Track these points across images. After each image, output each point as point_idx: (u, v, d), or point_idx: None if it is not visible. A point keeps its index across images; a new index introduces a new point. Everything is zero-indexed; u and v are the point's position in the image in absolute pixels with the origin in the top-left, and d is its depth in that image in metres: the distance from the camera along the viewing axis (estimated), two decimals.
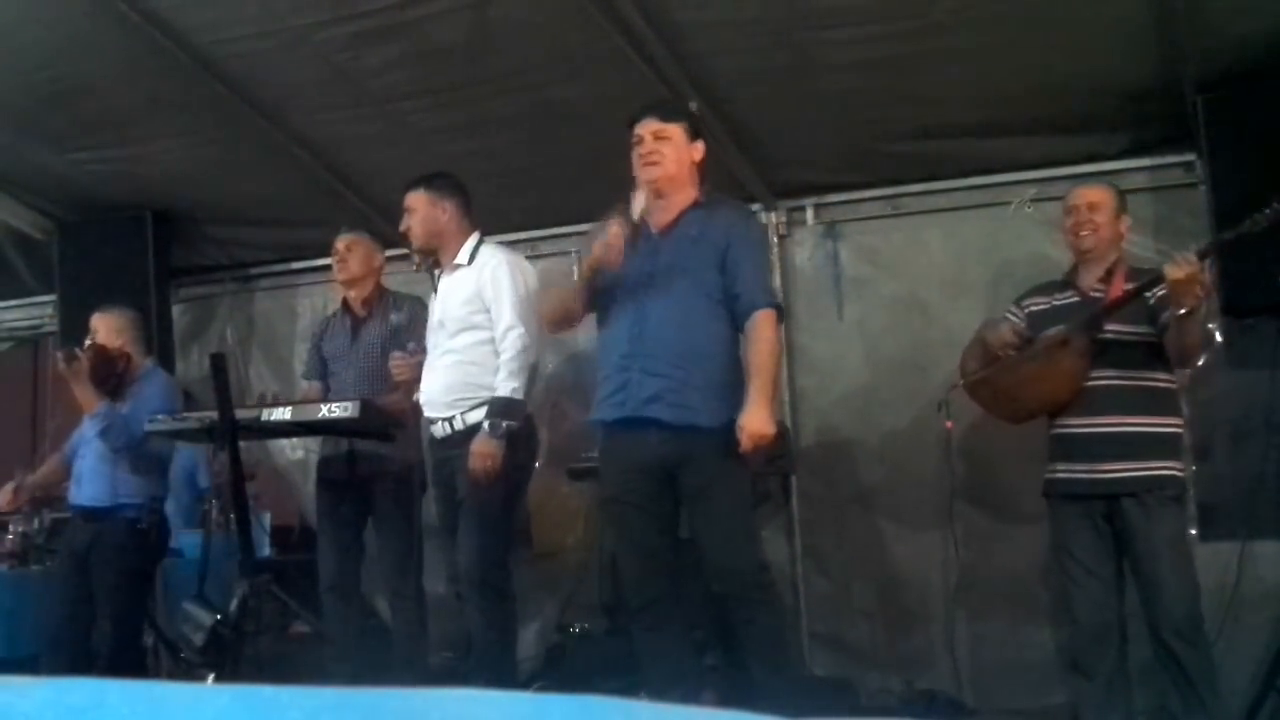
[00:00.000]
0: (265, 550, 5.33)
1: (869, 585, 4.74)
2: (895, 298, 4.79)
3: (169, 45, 4.29)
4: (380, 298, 4.41)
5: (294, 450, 5.56)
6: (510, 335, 3.77)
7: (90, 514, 4.47)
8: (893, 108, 4.37)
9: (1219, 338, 3.73)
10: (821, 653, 4.73)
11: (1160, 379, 3.42)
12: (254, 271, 5.87)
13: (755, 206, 4.71)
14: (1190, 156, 4.28)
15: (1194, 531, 3.91)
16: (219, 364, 3.90)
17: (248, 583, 3.78)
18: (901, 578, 4.67)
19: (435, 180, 4.01)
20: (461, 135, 4.69)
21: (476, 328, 3.84)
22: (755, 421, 3.11)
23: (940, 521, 4.38)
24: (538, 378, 4.19)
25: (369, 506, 4.22)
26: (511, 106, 4.53)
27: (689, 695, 3.26)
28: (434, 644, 4.47)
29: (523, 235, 5.11)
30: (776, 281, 4.54)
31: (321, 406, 3.95)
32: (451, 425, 3.83)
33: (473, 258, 3.94)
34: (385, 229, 4.56)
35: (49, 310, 5.99)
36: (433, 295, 4.04)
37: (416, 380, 3.96)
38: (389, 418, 3.97)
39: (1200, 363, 3.70)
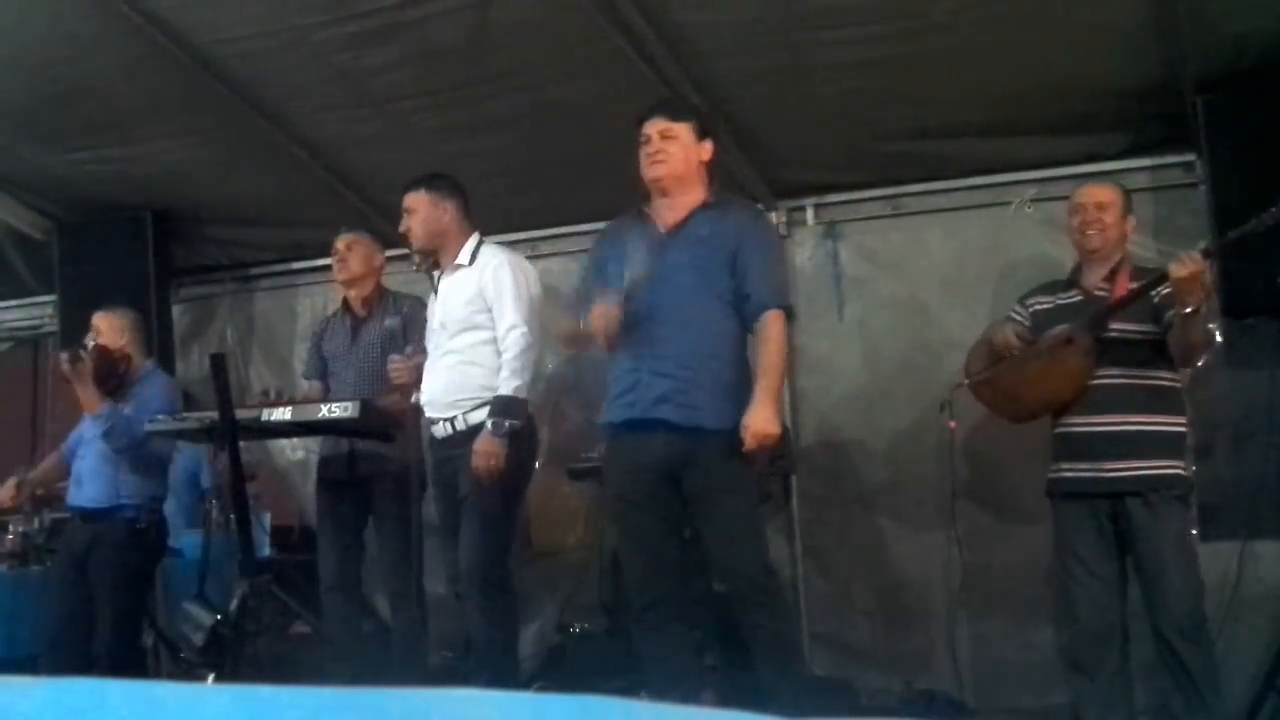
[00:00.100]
0: (265, 550, 5.32)
1: (869, 585, 4.74)
2: (895, 298, 4.79)
3: (169, 45, 4.29)
4: (380, 298, 4.41)
5: (294, 450, 5.56)
6: (513, 334, 3.77)
7: (90, 515, 4.46)
8: (893, 108, 4.37)
9: (1219, 338, 3.73)
10: (821, 653, 4.73)
11: (1164, 378, 3.42)
12: (254, 271, 5.87)
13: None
14: (1190, 156, 4.28)
15: (1194, 531, 3.91)
16: (219, 364, 3.90)
17: (248, 583, 3.79)
18: (901, 578, 4.67)
19: (436, 181, 4.00)
20: (461, 135, 4.69)
21: (478, 328, 3.84)
22: (760, 420, 3.11)
23: (940, 521, 4.38)
24: (538, 378, 4.19)
25: (369, 506, 4.22)
26: (511, 106, 4.53)
27: (689, 695, 3.26)
28: (434, 644, 4.46)
29: (523, 235, 5.11)
30: None
31: (321, 407, 3.94)
32: (452, 425, 3.83)
33: (473, 258, 3.93)
34: (385, 229, 4.56)
35: (49, 310, 5.99)
36: (432, 296, 4.04)
37: (415, 382, 3.96)
38: (389, 418, 3.97)
39: (1201, 363, 3.70)
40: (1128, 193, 3.64)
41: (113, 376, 4.51)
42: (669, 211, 3.36)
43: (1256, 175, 3.76)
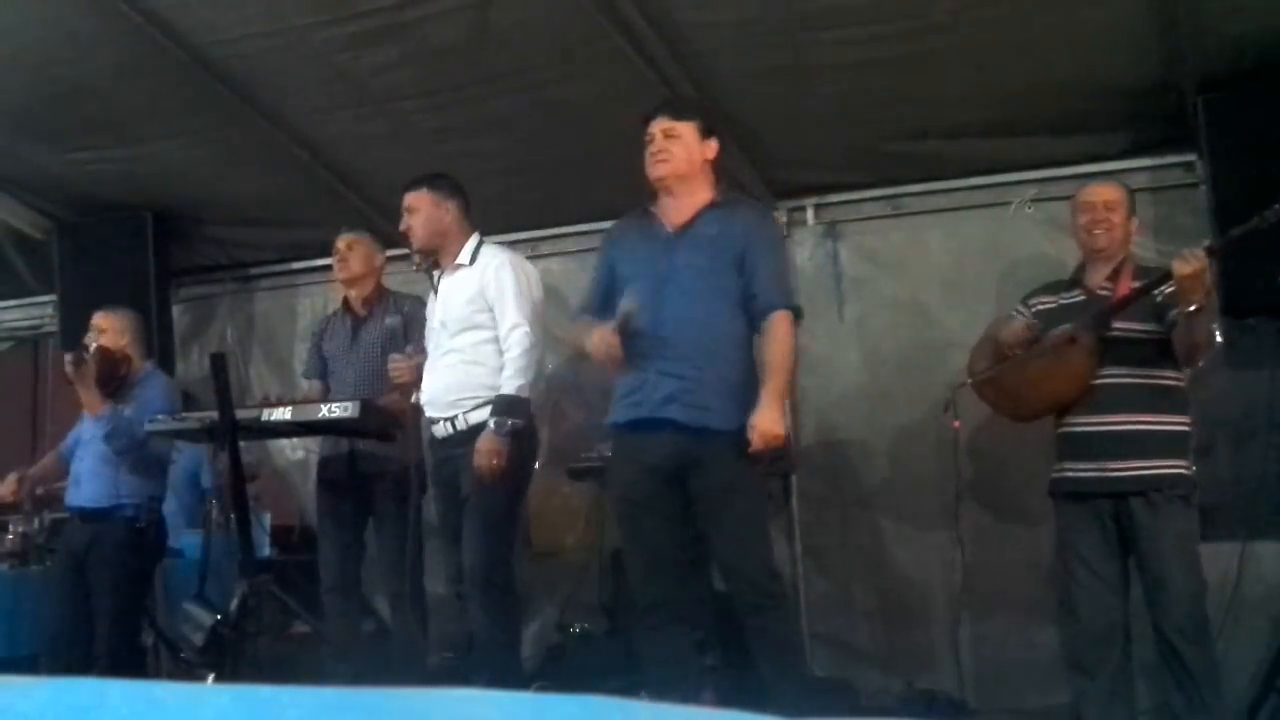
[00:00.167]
0: (265, 550, 5.32)
1: (869, 585, 4.74)
2: (895, 298, 4.79)
3: (169, 45, 4.29)
4: (381, 297, 4.41)
5: (294, 450, 5.56)
6: (516, 333, 3.77)
7: (89, 514, 4.46)
8: (893, 108, 4.37)
9: (1219, 338, 3.73)
10: (821, 653, 4.73)
11: (1168, 377, 3.41)
12: (254, 271, 5.87)
13: None
14: (1190, 156, 4.28)
15: None
16: (219, 364, 3.90)
17: (248, 583, 3.78)
18: (901, 578, 4.67)
19: (437, 180, 4.00)
20: (461, 135, 4.69)
21: (479, 327, 3.83)
22: (766, 421, 3.11)
23: (940, 521, 4.38)
24: (538, 377, 4.19)
25: (369, 506, 4.22)
26: (511, 106, 4.53)
27: (689, 695, 3.25)
28: (434, 644, 4.46)
29: (523, 235, 5.11)
30: None
31: (321, 406, 3.94)
32: (453, 425, 3.83)
33: (474, 258, 3.93)
34: (385, 229, 4.56)
35: (49, 310, 5.99)
36: (432, 296, 4.04)
37: (415, 382, 3.96)
38: (389, 418, 3.97)
39: (1203, 363, 3.69)
40: (1132, 192, 3.64)
41: (114, 378, 4.51)
42: (675, 211, 3.36)
43: (1256, 175, 3.76)
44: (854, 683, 4.51)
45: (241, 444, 4.00)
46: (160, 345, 5.28)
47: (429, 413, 3.92)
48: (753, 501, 3.28)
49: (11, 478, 4.68)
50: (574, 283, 5.16)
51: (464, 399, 3.81)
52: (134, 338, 4.65)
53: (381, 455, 4.12)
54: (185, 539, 5.28)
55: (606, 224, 4.79)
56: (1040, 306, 3.63)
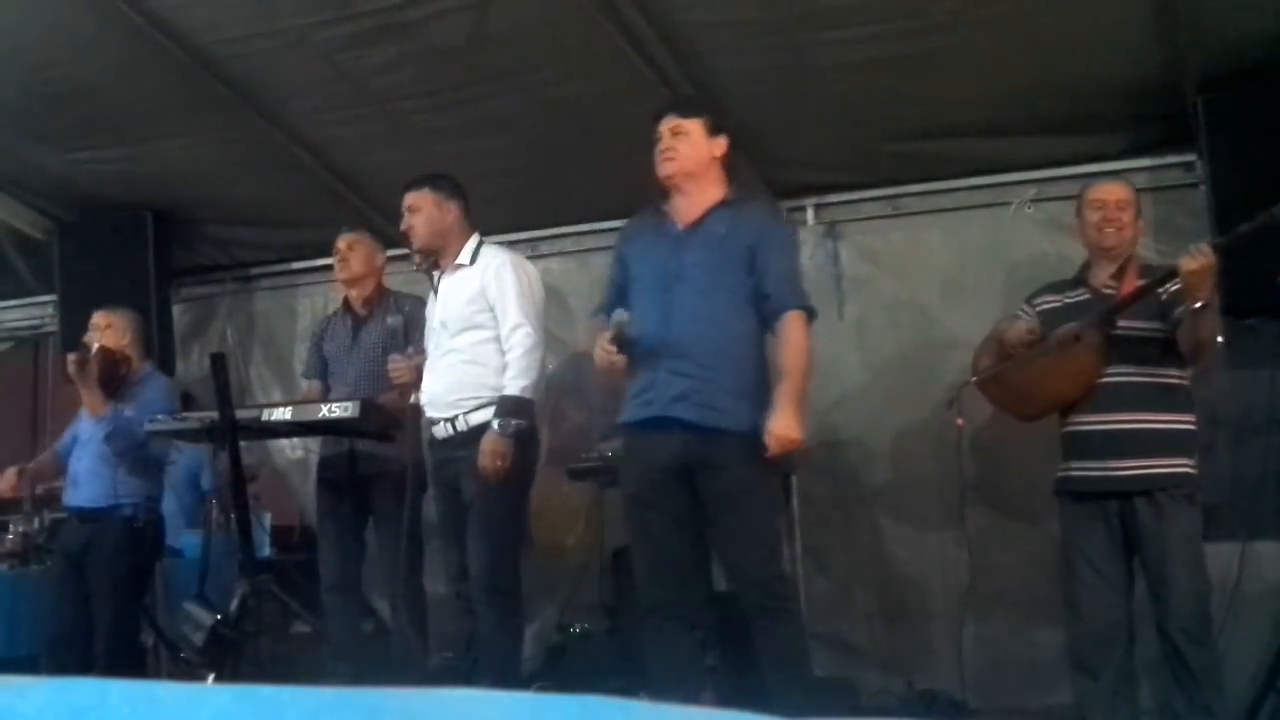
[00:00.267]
0: (265, 550, 5.32)
1: (870, 585, 4.74)
2: (896, 298, 4.79)
3: (169, 45, 4.29)
4: (381, 297, 4.41)
5: (294, 450, 5.56)
6: (518, 333, 3.76)
7: (87, 514, 4.46)
8: (893, 108, 4.37)
9: (1219, 338, 3.73)
10: (822, 653, 4.72)
11: (1173, 375, 3.40)
12: (254, 271, 5.87)
13: None
14: (1190, 156, 4.28)
15: None
16: (219, 364, 3.90)
17: (248, 583, 3.79)
18: (902, 578, 4.67)
19: (439, 180, 3.99)
20: (462, 135, 4.69)
21: (480, 327, 3.83)
22: (783, 425, 3.09)
23: (941, 521, 4.38)
24: (540, 378, 4.19)
25: (369, 506, 4.22)
26: (512, 106, 4.53)
27: (689, 695, 3.25)
28: (434, 644, 4.46)
29: (523, 235, 5.11)
30: None
31: (321, 406, 3.95)
32: (454, 426, 3.82)
33: (474, 258, 3.93)
34: (386, 229, 4.56)
35: (49, 310, 6.00)
36: (432, 296, 4.04)
37: (415, 383, 3.96)
38: (389, 418, 3.97)
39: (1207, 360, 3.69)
40: (1138, 192, 3.65)
41: (115, 378, 4.51)
42: (686, 209, 3.35)
43: (1256, 175, 3.76)
44: (854, 683, 4.50)
45: (241, 444, 4.00)
46: (160, 345, 5.28)
47: (429, 413, 3.91)
48: (763, 503, 3.26)
49: (10, 472, 4.67)
50: (574, 283, 5.17)
51: (464, 399, 3.80)
52: (134, 338, 4.66)
53: (381, 455, 4.12)
54: (185, 539, 5.28)
55: (607, 224, 4.82)
56: (1045, 306, 3.63)
